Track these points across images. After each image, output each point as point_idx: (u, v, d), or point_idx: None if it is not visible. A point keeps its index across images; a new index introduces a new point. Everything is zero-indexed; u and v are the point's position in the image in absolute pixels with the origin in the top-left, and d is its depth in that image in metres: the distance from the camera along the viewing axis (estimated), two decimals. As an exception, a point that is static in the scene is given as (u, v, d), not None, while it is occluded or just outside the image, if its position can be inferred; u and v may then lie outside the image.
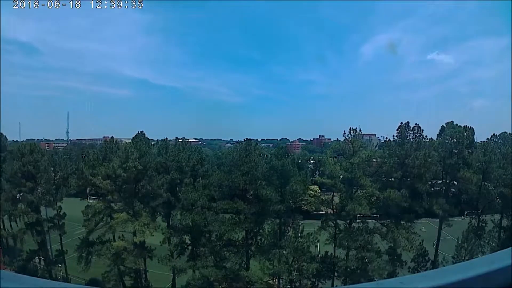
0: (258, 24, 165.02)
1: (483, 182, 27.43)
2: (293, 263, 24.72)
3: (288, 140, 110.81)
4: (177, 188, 26.18)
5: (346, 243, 24.39)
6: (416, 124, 26.83)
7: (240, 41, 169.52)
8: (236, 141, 59.91)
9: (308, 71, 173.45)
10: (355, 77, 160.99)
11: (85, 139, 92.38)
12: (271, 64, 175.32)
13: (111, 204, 25.33)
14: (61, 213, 27.83)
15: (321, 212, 29.04)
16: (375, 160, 27.69)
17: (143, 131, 28.69)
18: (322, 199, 27.48)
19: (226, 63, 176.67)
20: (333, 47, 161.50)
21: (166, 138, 29.28)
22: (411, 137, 26.56)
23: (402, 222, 24.98)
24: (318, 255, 26.04)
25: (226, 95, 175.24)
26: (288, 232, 25.48)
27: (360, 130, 26.12)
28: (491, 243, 26.63)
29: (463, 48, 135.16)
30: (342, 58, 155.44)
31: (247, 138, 26.23)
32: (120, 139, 33.74)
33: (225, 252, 24.97)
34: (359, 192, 25.16)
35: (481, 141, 31.29)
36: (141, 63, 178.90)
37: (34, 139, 65.68)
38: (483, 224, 27.62)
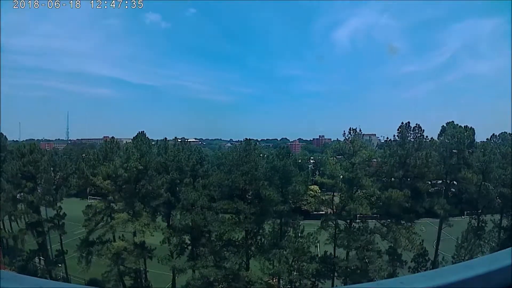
0: (238, 21, 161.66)
1: (483, 182, 27.43)
2: (293, 263, 24.70)
3: (288, 140, 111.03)
4: (177, 188, 26.18)
5: (346, 243, 24.37)
6: (416, 124, 26.94)
7: (217, 36, 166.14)
8: (236, 141, 59.92)
9: (293, 68, 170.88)
10: (347, 73, 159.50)
11: (85, 139, 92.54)
12: (254, 60, 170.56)
13: (112, 204, 25.33)
14: (61, 213, 27.78)
15: (321, 212, 29.07)
16: (375, 160, 27.71)
17: (143, 131, 28.59)
18: (322, 199, 27.44)
19: (205, 59, 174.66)
20: (313, 40, 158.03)
21: (166, 138, 29.30)
22: (411, 137, 26.60)
23: (402, 222, 24.98)
24: (318, 255, 26.04)
25: (209, 93, 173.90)
26: (288, 232, 25.48)
27: (360, 130, 26.17)
28: (491, 243, 26.65)
29: (457, 32, 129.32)
30: (329, 53, 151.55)
31: (247, 138, 26.20)
32: (120, 139, 33.77)
33: (225, 252, 24.92)
34: (359, 192, 25.15)
35: (481, 141, 31.35)
36: (118, 61, 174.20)
37: (34, 139, 65.62)
38: (483, 224, 27.65)
